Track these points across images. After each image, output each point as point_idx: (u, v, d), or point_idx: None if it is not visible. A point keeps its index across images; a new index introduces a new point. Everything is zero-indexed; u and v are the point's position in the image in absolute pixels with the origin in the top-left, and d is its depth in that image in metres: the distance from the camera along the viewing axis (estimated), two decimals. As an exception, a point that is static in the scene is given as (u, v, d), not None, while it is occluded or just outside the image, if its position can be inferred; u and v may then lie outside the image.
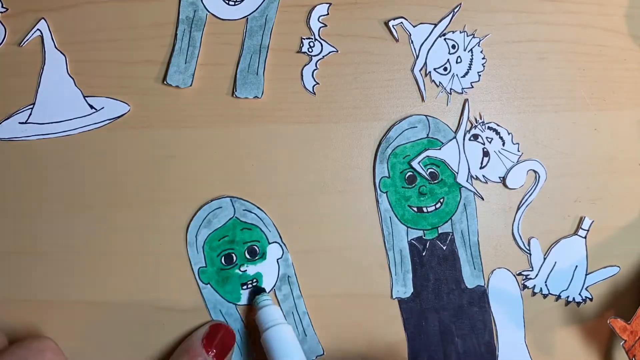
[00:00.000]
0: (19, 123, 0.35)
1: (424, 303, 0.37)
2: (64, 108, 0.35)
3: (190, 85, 0.35)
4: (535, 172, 0.38)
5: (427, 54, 0.37)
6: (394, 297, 0.37)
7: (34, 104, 0.35)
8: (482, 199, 0.38)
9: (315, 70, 0.36)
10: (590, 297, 0.38)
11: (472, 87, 0.37)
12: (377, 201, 0.37)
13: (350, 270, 0.37)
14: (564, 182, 0.38)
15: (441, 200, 0.37)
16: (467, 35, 0.37)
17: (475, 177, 0.37)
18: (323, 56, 0.37)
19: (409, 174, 0.37)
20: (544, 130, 0.38)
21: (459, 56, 0.37)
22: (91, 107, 0.35)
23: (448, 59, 0.37)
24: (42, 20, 0.35)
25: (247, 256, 0.36)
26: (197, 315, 0.36)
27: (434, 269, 0.37)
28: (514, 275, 0.38)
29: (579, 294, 0.38)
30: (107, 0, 0.35)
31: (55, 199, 0.35)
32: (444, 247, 0.37)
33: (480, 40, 0.37)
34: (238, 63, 0.36)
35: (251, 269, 0.36)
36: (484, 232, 0.38)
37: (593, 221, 0.38)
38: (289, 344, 0.33)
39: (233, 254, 0.36)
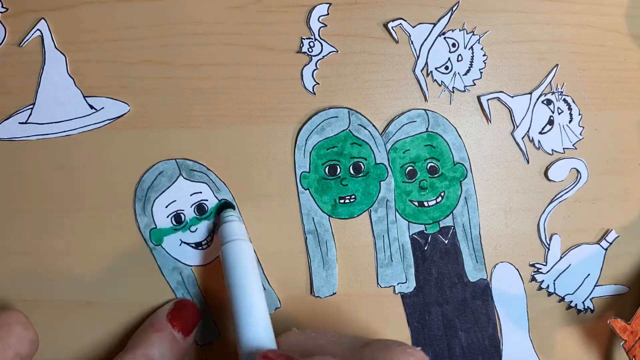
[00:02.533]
0: (19, 123, 0.35)
1: (427, 297, 0.37)
2: (64, 108, 0.35)
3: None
4: (578, 171, 0.38)
5: (428, 54, 0.37)
6: (396, 292, 0.37)
7: (34, 104, 0.35)
8: (528, 162, 0.38)
9: (315, 70, 0.36)
10: (592, 308, 0.38)
11: (475, 84, 0.37)
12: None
13: (352, 269, 0.37)
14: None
15: (442, 194, 0.37)
16: (467, 33, 0.37)
17: (531, 138, 0.38)
18: (323, 56, 0.37)
19: (409, 168, 0.37)
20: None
21: (460, 54, 0.37)
22: (91, 107, 0.35)
23: (449, 58, 0.37)
24: (42, 20, 0.35)
25: (351, 172, 0.36)
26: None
27: (436, 263, 0.37)
28: (517, 270, 0.38)
29: (582, 302, 0.38)
30: (107, 0, 0.35)
31: (55, 199, 0.35)
32: (446, 241, 0.37)
33: (480, 37, 0.37)
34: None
35: (352, 184, 0.36)
36: (485, 228, 0.38)
37: (618, 236, 0.38)
38: (245, 260, 0.32)
39: (338, 166, 0.36)
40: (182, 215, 0.35)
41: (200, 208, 0.36)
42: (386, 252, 0.37)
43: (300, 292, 0.36)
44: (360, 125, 0.36)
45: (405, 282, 0.37)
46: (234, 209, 0.36)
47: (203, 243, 0.36)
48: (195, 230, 0.36)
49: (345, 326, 0.37)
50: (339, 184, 0.36)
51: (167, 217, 0.35)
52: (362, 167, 0.36)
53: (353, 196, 0.37)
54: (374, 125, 0.36)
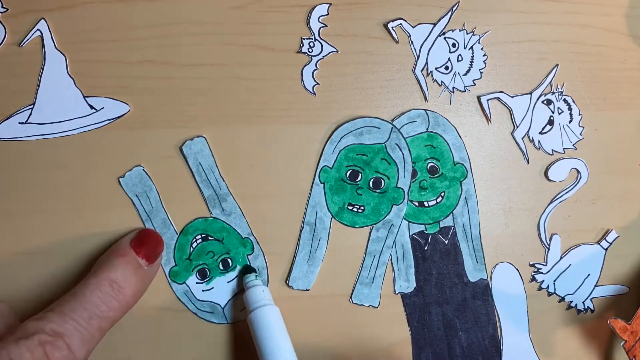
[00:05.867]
0: (19, 123, 0.35)
1: (427, 297, 0.37)
2: (64, 108, 0.35)
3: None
4: (578, 171, 0.38)
5: (428, 54, 0.37)
6: (396, 292, 0.37)
7: (34, 104, 0.35)
8: (528, 162, 0.38)
9: (315, 70, 0.36)
10: (592, 308, 0.38)
11: (475, 84, 0.38)
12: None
13: (332, 273, 0.37)
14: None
15: (442, 194, 0.37)
16: (467, 33, 0.37)
17: (531, 138, 0.38)
18: (323, 56, 0.37)
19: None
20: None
21: (460, 54, 0.37)
22: (91, 107, 0.35)
23: (449, 58, 0.37)
24: (42, 20, 0.35)
25: (370, 185, 0.36)
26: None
27: (436, 263, 0.37)
28: (517, 270, 0.38)
29: (583, 303, 0.38)
30: (107, 0, 0.35)
31: (55, 199, 0.35)
32: (446, 241, 0.37)
33: (480, 38, 0.37)
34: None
35: (366, 196, 0.36)
36: (485, 228, 0.38)
37: (619, 236, 0.38)
38: (274, 326, 0.32)
39: (360, 174, 0.36)
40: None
41: None
42: (370, 272, 0.37)
43: (299, 294, 0.36)
44: (397, 145, 0.36)
45: (378, 306, 0.37)
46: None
47: None
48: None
49: (344, 325, 0.37)
50: (354, 190, 0.36)
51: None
52: (382, 184, 0.36)
53: (362, 207, 0.37)
54: (409, 150, 0.36)
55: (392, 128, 0.36)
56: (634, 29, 0.39)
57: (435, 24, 0.37)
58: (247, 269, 0.36)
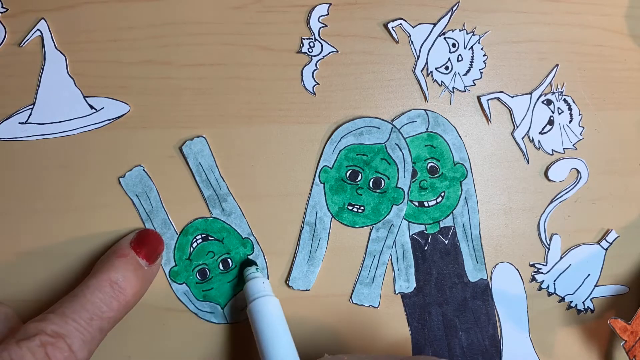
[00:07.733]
0: (19, 123, 0.35)
1: (427, 297, 0.37)
2: (64, 108, 0.35)
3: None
4: (578, 171, 0.38)
5: (428, 54, 0.37)
6: (396, 292, 0.37)
7: (34, 104, 0.35)
8: (528, 162, 0.38)
9: (315, 70, 0.36)
10: (592, 308, 0.38)
11: (475, 84, 0.38)
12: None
13: (332, 273, 0.37)
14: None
15: (442, 194, 0.37)
16: (467, 33, 0.37)
17: (531, 138, 0.38)
18: (323, 56, 0.37)
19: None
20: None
21: (460, 54, 0.37)
22: (91, 107, 0.35)
23: (449, 58, 0.37)
24: (42, 20, 0.35)
25: (370, 185, 0.36)
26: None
27: (437, 263, 0.37)
28: (517, 270, 0.38)
29: (583, 303, 0.38)
30: (107, 0, 0.35)
31: (56, 199, 0.35)
32: (446, 241, 0.37)
33: (480, 38, 0.37)
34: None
35: (366, 196, 0.36)
36: (485, 228, 0.38)
37: (619, 236, 0.38)
38: (273, 316, 0.32)
39: (360, 174, 0.36)
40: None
41: None
42: (370, 272, 0.37)
43: (299, 294, 0.36)
44: (397, 145, 0.36)
45: (378, 306, 0.37)
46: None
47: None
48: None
49: (344, 325, 0.37)
50: (354, 190, 0.36)
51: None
52: (383, 184, 0.36)
53: (362, 207, 0.37)
54: (409, 150, 0.36)
55: (392, 128, 0.36)
56: (634, 29, 0.39)
57: (435, 24, 0.37)
58: (248, 262, 0.36)
